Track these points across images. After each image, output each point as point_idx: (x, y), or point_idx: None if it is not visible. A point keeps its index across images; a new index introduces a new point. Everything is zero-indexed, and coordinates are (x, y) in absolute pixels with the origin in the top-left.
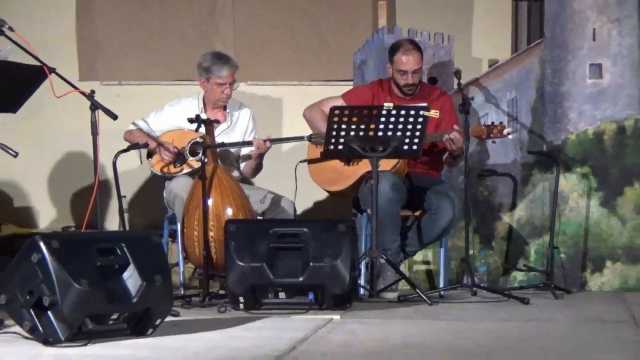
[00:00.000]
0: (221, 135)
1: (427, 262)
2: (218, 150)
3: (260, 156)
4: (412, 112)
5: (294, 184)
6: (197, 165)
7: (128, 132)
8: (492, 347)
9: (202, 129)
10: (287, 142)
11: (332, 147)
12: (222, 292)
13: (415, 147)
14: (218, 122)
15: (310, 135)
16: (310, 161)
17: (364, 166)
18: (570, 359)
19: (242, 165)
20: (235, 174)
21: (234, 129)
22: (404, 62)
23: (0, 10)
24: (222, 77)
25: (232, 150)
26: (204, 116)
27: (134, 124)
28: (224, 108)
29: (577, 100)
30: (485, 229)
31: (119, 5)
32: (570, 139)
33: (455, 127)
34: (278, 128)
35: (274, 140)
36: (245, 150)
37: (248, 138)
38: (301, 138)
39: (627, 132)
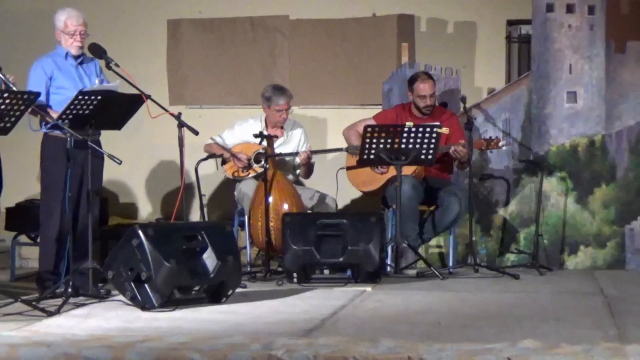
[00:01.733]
0: (279, 147)
1: (439, 246)
2: (277, 158)
3: (307, 163)
4: (428, 130)
5: (336, 185)
6: (260, 170)
7: (207, 145)
8: (490, 312)
9: (264, 143)
10: (330, 153)
11: (365, 156)
12: (280, 269)
13: (430, 156)
14: (277, 137)
15: (348, 147)
16: (348, 168)
17: (390, 171)
18: (552, 322)
19: (298, 171)
20: (290, 177)
21: (289, 143)
22: (422, 89)
23: (109, 51)
24: (280, 105)
25: (288, 159)
26: (265, 133)
27: (211, 139)
28: (281, 127)
29: (557, 120)
30: (485, 221)
31: (200, 46)
32: (552, 150)
33: (461, 141)
34: (323, 141)
35: (319, 151)
36: (298, 159)
37: (300, 150)
38: (340, 149)
39: (596, 145)
